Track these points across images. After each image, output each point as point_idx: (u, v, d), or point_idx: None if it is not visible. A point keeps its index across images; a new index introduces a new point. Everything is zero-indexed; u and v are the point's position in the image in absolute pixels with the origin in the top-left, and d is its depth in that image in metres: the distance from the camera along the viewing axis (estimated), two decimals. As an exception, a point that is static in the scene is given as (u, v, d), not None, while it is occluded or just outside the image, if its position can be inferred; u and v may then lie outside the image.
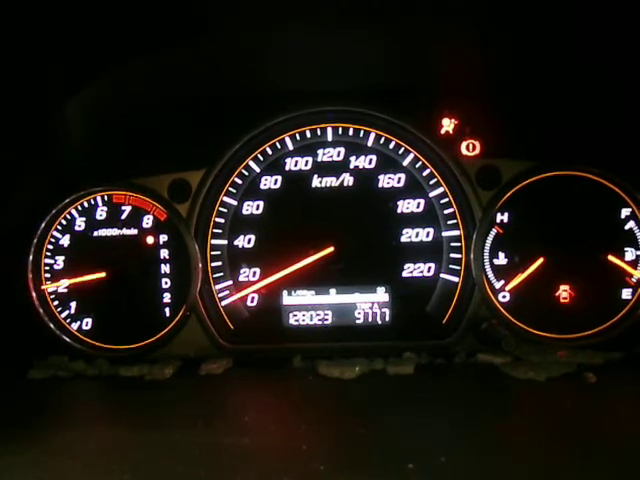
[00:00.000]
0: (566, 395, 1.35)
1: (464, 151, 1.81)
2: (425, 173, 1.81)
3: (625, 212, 1.74)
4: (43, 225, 1.79)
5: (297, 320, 1.82)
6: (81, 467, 1.02)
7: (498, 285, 1.78)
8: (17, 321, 1.74)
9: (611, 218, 1.74)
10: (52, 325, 1.79)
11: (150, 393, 1.50)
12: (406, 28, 1.53)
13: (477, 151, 1.81)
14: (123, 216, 1.82)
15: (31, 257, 1.78)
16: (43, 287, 1.80)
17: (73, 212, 1.82)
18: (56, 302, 1.82)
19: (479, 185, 1.76)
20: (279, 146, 1.84)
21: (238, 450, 1.05)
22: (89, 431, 1.20)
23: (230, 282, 1.83)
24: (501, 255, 1.78)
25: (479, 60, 1.71)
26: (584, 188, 1.74)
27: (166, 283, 1.82)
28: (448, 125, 1.82)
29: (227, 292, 1.84)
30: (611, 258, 1.74)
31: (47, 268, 1.81)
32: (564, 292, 1.76)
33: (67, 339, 1.80)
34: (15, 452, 1.07)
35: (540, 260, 1.76)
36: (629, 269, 1.73)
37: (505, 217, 1.78)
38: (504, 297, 1.78)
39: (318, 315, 1.81)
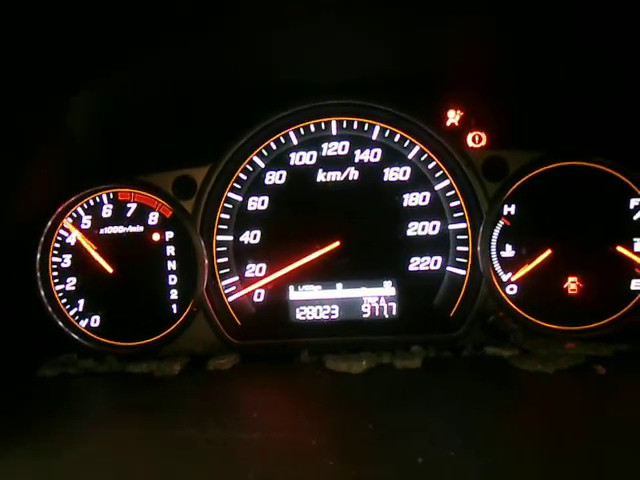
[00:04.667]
0: (575, 387, 1.35)
1: (470, 143, 1.79)
2: (431, 166, 1.80)
3: (634, 202, 1.72)
4: (50, 224, 1.80)
5: (304, 315, 1.82)
6: (92, 464, 1.03)
7: (505, 277, 1.77)
8: (26, 319, 1.75)
9: (619, 208, 1.73)
10: (61, 323, 1.81)
11: (159, 389, 1.50)
12: (410, 20, 1.51)
13: (483, 143, 1.79)
14: (129, 213, 1.82)
15: (39, 256, 1.80)
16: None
17: (79, 210, 1.83)
18: (64, 300, 1.83)
19: (485, 177, 1.75)
20: (283, 141, 1.83)
21: (248, 445, 1.05)
22: (99, 428, 1.21)
23: (236, 278, 1.84)
24: (508, 247, 1.77)
25: (483, 51, 1.69)
26: (591, 178, 1.72)
27: (173, 280, 1.82)
28: (454, 117, 1.81)
29: (234, 288, 1.84)
30: (620, 249, 1.72)
31: (54, 266, 1.82)
32: (572, 284, 1.75)
33: (76, 336, 1.81)
34: (26, 449, 1.08)
35: (547, 252, 1.74)
36: (638, 260, 1.72)
37: (512, 209, 1.77)
38: (511, 289, 1.77)
39: (325, 310, 1.81)
